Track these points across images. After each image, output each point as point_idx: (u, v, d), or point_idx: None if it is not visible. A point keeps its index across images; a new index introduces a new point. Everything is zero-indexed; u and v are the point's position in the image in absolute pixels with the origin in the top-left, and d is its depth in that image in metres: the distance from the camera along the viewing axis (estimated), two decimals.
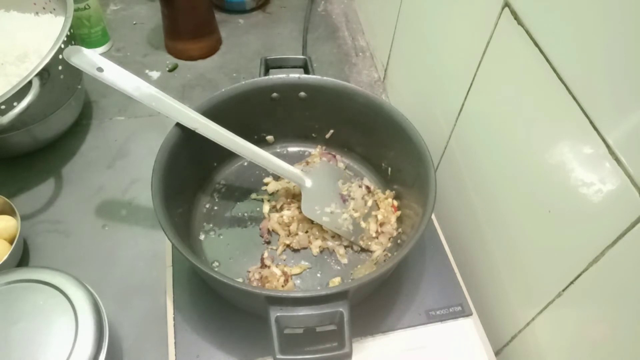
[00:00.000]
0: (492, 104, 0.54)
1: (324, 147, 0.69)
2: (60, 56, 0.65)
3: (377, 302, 0.56)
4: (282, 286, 0.56)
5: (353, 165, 0.69)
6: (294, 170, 0.61)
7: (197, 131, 0.56)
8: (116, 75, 0.55)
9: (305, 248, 0.60)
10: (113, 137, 0.78)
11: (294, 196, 0.64)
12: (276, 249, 0.60)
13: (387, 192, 0.64)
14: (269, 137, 0.69)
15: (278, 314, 0.44)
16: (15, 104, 0.60)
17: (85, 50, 0.55)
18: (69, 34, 0.67)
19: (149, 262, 0.64)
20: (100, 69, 0.55)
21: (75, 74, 0.72)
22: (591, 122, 0.39)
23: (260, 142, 0.68)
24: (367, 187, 0.65)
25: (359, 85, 0.87)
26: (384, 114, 0.61)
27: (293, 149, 0.70)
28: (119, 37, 0.93)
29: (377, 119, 0.61)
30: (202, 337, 0.53)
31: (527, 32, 0.45)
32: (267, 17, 1.01)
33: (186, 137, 0.57)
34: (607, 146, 0.38)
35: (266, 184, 0.66)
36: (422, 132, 0.58)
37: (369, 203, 0.63)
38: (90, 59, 0.55)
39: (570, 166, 0.43)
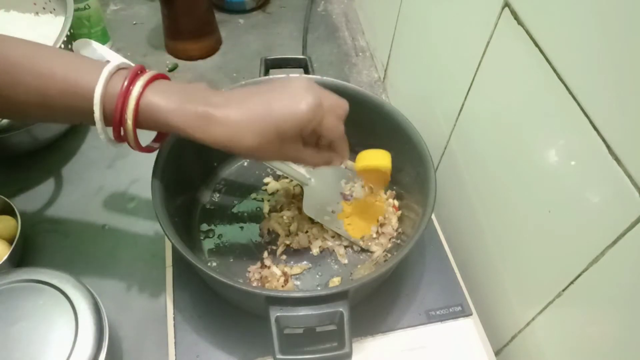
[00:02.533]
0: (492, 104, 0.54)
1: None
2: None
3: (377, 302, 0.56)
4: (282, 286, 0.56)
5: (353, 165, 0.69)
6: (298, 168, 0.61)
7: None
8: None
9: (305, 248, 0.60)
10: None
11: (294, 196, 0.64)
12: (276, 249, 0.60)
13: (388, 192, 0.64)
14: None
15: (278, 314, 0.44)
16: None
17: (94, 44, 0.55)
18: (69, 34, 0.67)
19: (149, 262, 0.64)
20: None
21: None
22: (591, 122, 0.39)
23: None
24: (370, 188, 0.65)
25: (359, 85, 0.87)
26: (384, 114, 0.61)
27: None
28: (119, 37, 0.93)
29: (377, 119, 0.61)
30: (202, 337, 0.53)
31: (527, 32, 0.45)
32: (267, 17, 1.01)
33: None
34: (607, 146, 0.38)
35: (266, 184, 0.66)
36: (422, 132, 0.58)
37: None
38: (99, 52, 0.55)
39: (570, 166, 0.43)
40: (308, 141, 0.48)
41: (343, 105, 0.48)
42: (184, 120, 0.42)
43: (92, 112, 0.42)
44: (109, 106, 0.42)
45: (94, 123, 0.43)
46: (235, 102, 0.44)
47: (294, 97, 0.43)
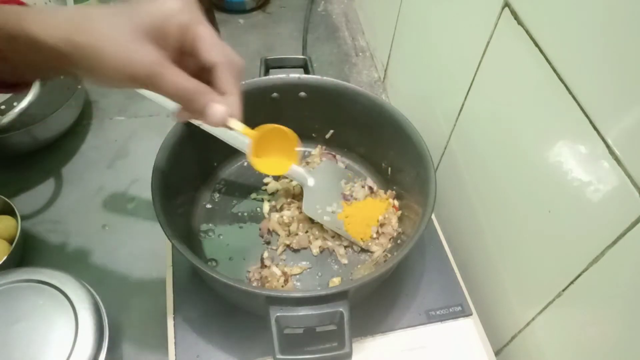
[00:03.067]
0: (492, 103, 0.54)
1: (324, 147, 0.69)
2: None
3: (377, 302, 0.56)
4: (282, 286, 0.56)
5: (353, 165, 0.69)
6: (298, 168, 0.61)
7: (201, 127, 0.56)
8: None
9: (305, 248, 0.60)
10: (113, 137, 0.78)
11: (294, 196, 0.64)
12: (276, 249, 0.60)
13: (389, 192, 0.64)
14: None
15: (278, 314, 0.44)
16: (15, 104, 0.60)
17: None
18: None
19: (149, 262, 0.64)
20: None
21: None
22: (591, 122, 0.39)
23: None
24: (370, 188, 0.65)
25: (359, 85, 0.87)
26: (384, 114, 0.61)
27: None
28: None
29: (377, 119, 0.61)
30: (202, 337, 0.53)
31: (527, 32, 0.45)
32: (267, 17, 1.01)
33: (187, 136, 0.57)
34: (607, 146, 0.38)
35: (266, 184, 0.66)
36: (422, 132, 0.58)
37: None
38: None
39: (570, 166, 0.43)
40: (184, 61, 0.38)
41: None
42: (46, 25, 0.33)
43: None
44: None
45: None
46: (102, 11, 0.35)
47: None
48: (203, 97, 0.37)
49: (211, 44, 0.37)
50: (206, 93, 0.37)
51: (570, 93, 0.41)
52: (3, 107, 0.60)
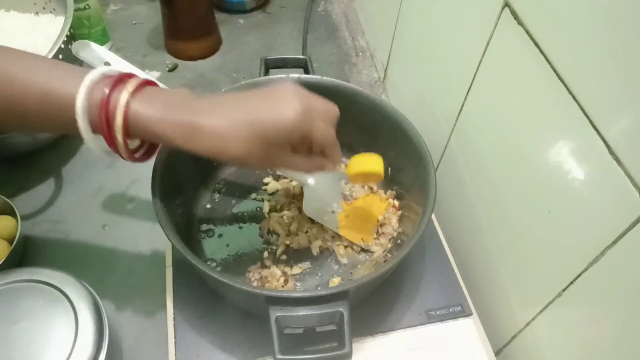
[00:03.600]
0: (492, 104, 0.54)
1: None
2: (60, 56, 0.65)
3: (377, 302, 0.56)
4: (282, 286, 0.56)
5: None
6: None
7: None
8: (123, 70, 0.55)
9: (305, 248, 0.60)
10: None
11: (294, 196, 0.64)
12: (276, 249, 0.60)
13: (389, 192, 0.64)
14: None
15: (278, 314, 0.44)
16: None
17: (93, 45, 0.55)
18: (69, 34, 0.67)
19: (149, 262, 0.64)
20: (107, 64, 0.55)
21: None
22: (591, 122, 0.39)
23: None
24: (370, 188, 0.65)
25: (359, 85, 0.87)
26: (384, 114, 0.61)
27: None
28: (119, 37, 0.93)
29: (377, 119, 0.61)
30: (202, 337, 0.53)
31: (527, 32, 0.45)
32: (267, 17, 1.01)
33: None
34: (607, 146, 0.38)
35: (266, 184, 0.66)
36: (422, 132, 0.58)
37: None
38: (98, 54, 0.55)
39: (570, 166, 0.43)
40: (298, 148, 0.46)
41: (333, 110, 0.46)
42: (172, 131, 0.41)
43: (75, 123, 0.40)
44: (93, 116, 0.40)
45: (78, 133, 0.41)
46: (220, 110, 0.42)
47: (280, 104, 0.42)
48: (321, 166, 0.49)
49: (321, 136, 0.45)
50: (322, 163, 0.49)
51: (570, 93, 0.41)
52: None
